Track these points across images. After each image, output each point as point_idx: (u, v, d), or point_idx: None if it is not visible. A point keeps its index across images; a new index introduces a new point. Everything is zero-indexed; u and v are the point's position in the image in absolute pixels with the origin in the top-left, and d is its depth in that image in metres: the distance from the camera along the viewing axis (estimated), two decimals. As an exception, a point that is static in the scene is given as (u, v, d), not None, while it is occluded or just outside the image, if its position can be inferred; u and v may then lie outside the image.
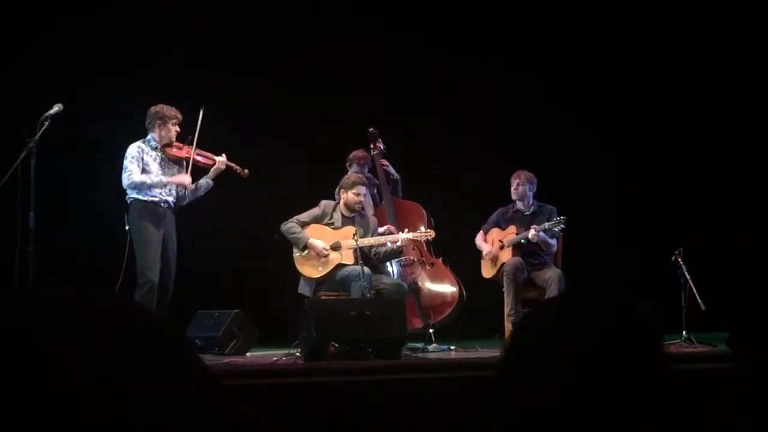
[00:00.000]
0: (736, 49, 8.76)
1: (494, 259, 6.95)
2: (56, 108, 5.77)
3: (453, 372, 5.09)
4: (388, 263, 6.91)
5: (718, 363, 4.92)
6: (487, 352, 6.08)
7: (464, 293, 6.96)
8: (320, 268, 6.49)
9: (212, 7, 8.15)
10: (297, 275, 6.59)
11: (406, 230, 6.60)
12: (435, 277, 7.05)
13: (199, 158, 6.22)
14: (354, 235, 6.35)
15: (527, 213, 6.99)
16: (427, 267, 7.06)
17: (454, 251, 7.20)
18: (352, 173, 7.01)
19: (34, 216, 5.52)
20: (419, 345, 6.36)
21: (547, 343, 1.14)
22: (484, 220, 7.19)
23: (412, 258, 7.06)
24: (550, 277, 6.63)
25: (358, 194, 6.59)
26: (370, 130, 7.30)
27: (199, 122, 6.15)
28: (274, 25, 8.27)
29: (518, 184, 6.99)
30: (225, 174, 6.33)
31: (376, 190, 7.32)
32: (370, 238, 6.52)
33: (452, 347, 6.51)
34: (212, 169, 6.25)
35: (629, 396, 1.10)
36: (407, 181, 7.47)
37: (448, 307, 6.94)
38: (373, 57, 8.39)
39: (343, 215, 6.62)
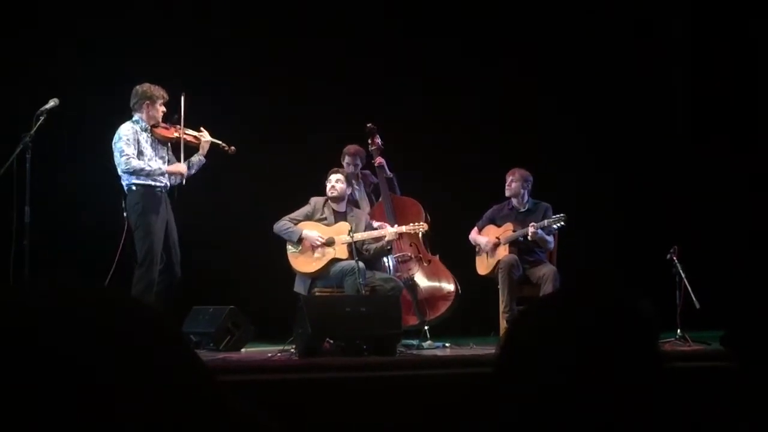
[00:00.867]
0: (736, 41, 8.76)
1: (490, 255, 6.95)
2: (52, 103, 5.76)
3: (448, 369, 5.10)
4: (384, 259, 6.92)
5: (712, 361, 4.94)
6: (481, 349, 6.09)
7: (461, 291, 6.96)
8: (314, 263, 6.50)
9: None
10: (292, 272, 6.59)
11: (396, 225, 6.62)
12: (432, 274, 7.05)
13: (188, 138, 6.21)
14: (350, 232, 6.35)
15: (522, 210, 7.00)
16: (425, 264, 7.06)
17: (451, 249, 7.20)
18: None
19: (30, 210, 5.51)
20: (414, 342, 6.36)
21: (543, 340, 1.14)
22: (479, 217, 7.20)
23: (409, 254, 7.06)
24: (545, 274, 6.64)
25: (329, 181, 6.61)
26: (369, 125, 7.28)
27: (182, 106, 6.13)
28: (274, 25, 8.26)
29: (512, 181, 7.00)
30: (217, 168, 6.34)
31: (372, 187, 7.31)
32: (363, 233, 6.52)
33: (447, 344, 6.51)
34: (201, 146, 6.24)
35: (625, 393, 1.10)
36: (404, 178, 7.46)
37: (445, 304, 6.94)
38: (372, 56, 8.37)
39: (334, 210, 6.63)
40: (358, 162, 7.14)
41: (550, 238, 6.82)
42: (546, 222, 6.70)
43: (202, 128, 6.26)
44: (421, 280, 7.02)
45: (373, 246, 6.56)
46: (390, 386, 4.61)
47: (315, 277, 6.53)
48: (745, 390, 1.74)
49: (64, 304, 0.73)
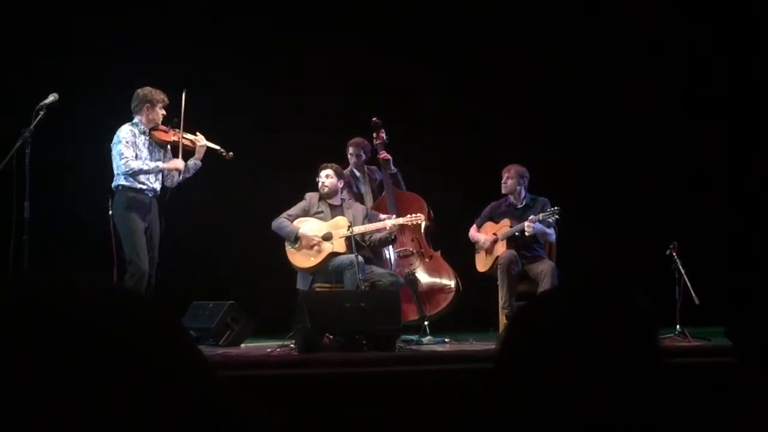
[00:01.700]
0: (735, 37, 8.75)
1: (489, 252, 6.96)
2: (51, 98, 5.76)
3: (447, 364, 5.10)
4: (386, 253, 6.92)
5: (711, 357, 4.95)
6: (480, 344, 6.09)
7: (461, 286, 6.96)
8: (312, 258, 6.50)
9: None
10: (292, 268, 6.59)
11: (394, 216, 6.63)
12: (433, 270, 7.06)
13: (186, 142, 6.21)
14: (349, 227, 6.36)
15: (520, 206, 7.00)
16: (426, 259, 7.06)
17: (451, 245, 7.20)
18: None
19: (29, 205, 5.51)
20: (413, 337, 6.36)
21: (543, 336, 1.14)
22: (478, 214, 7.20)
23: (410, 249, 7.06)
24: (544, 270, 6.64)
25: (319, 178, 6.63)
26: (374, 119, 7.26)
27: (183, 105, 6.14)
28: (271, 24, 8.26)
29: (507, 178, 6.99)
30: (217, 163, 6.33)
31: (377, 183, 7.30)
32: (361, 226, 6.52)
33: (446, 339, 6.51)
34: (197, 150, 6.24)
35: (625, 388, 1.10)
36: (404, 176, 7.44)
37: (445, 299, 6.95)
38: (372, 54, 8.36)
39: (329, 204, 6.64)
40: (362, 153, 7.14)
41: (550, 231, 6.82)
42: (540, 216, 6.69)
43: (197, 132, 6.26)
44: (422, 276, 7.03)
45: (377, 236, 6.57)
46: (389, 382, 4.62)
47: (314, 273, 6.54)
48: (749, 384, 1.74)
49: (64, 300, 0.73)
